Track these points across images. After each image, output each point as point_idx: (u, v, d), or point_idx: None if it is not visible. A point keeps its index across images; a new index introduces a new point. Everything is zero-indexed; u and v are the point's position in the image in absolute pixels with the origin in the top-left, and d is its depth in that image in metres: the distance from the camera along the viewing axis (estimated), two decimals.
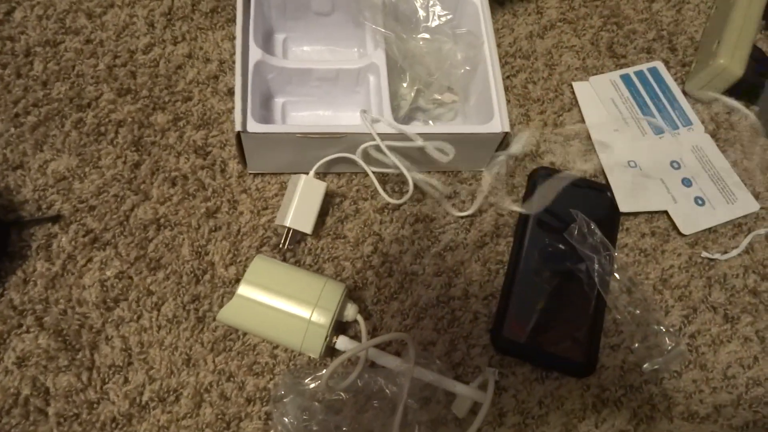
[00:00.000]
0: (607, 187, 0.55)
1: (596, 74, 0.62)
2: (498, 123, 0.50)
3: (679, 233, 0.55)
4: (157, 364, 0.46)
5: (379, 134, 0.48)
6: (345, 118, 0.55)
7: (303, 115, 0.55)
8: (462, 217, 0.53)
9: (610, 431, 0.47)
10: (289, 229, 0.48)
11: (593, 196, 0.54)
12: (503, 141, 0.50)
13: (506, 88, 0.59)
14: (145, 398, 0.44)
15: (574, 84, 0.61)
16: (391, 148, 0.48)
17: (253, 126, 0.47)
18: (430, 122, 0.56)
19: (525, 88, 0.60)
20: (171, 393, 0.45)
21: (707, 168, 0.58)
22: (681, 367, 0.50)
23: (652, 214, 0.56)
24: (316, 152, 0.50)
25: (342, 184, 0.54)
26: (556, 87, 0.61)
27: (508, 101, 0.59)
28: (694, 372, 0.50)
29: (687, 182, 0.57)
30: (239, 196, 0.52)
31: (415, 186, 0.52)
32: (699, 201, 0.57)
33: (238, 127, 0.46)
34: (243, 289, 0.44)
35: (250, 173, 0.53)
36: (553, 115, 0.59)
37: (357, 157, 0.49)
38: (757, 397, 0.49)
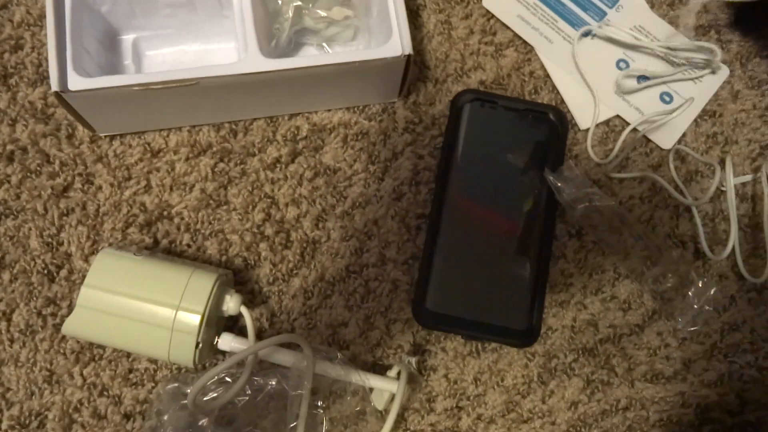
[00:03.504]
0: (549, 107, 0.44)
1: None
2: (397, 43, 0.38)
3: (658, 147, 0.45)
4: (14, 384, 0.39)
5: (246, 74, 0.37)
6: (216, 51, 0.44)
7: (163, 53, 0.44)
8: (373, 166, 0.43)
9: (559, 404, 0.40)
10: None
11: (534, 120, 0.44)
12: (408, 65, 0.39)
13: None
14: (3, 427, 0.38)
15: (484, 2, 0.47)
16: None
17: (76, 82, 0.36)
18: (325, 45, 0.44)
19: None
20: (34, 417, 0.38)
21: (660, 50, 0.46)
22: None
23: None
24: (177, 101, 0.39)
25: (222, 137, 0.43)
26: None
27: (425, 6, 0.47)
28: (658, 324, 0.42)
29: (643, 80, 0.46)
30: (94, 167, 0.42)
31: (314, 130, 0.42)
32: (666, 98, 0.46)
33: (54, 87, 0.36)
34: (84, 297, 0.35)
35: (105, 136, 0.43)
36: (481, 18, 0.47)
37: None
38: (734, 344, 0.42)
